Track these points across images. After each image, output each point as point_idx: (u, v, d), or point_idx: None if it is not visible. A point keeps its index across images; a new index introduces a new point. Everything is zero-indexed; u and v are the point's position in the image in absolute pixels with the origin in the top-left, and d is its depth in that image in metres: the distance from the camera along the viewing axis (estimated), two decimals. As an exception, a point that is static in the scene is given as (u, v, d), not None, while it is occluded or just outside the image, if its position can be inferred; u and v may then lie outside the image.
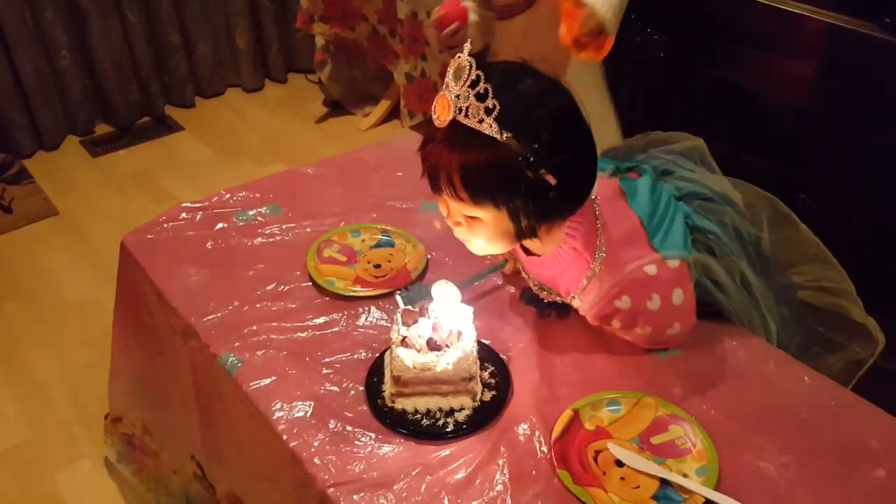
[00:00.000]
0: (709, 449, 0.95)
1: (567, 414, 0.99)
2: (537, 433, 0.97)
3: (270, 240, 1.31)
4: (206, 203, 1.39)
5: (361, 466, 0.93)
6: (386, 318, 1.15)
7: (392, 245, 1.30)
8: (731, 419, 0.99)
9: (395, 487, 0.91)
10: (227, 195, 1.41)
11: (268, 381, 1.05)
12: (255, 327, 1.13)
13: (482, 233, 0.98)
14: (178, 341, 1.19)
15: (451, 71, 0.90)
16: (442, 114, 0.90)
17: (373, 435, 0.98)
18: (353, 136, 2.93)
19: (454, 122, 0.89)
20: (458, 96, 0.88)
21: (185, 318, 1.15)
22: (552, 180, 0.91)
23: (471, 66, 0.87)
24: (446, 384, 0.98)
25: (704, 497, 0.89)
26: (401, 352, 0.97)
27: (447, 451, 0.95)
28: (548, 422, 0.98)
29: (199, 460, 1.26)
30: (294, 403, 1.01)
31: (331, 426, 0.98)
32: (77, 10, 2.71)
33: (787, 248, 1.20)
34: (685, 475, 0.92)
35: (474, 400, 1.00)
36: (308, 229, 1.33)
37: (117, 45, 2.84)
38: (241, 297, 1.18)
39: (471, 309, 1.02)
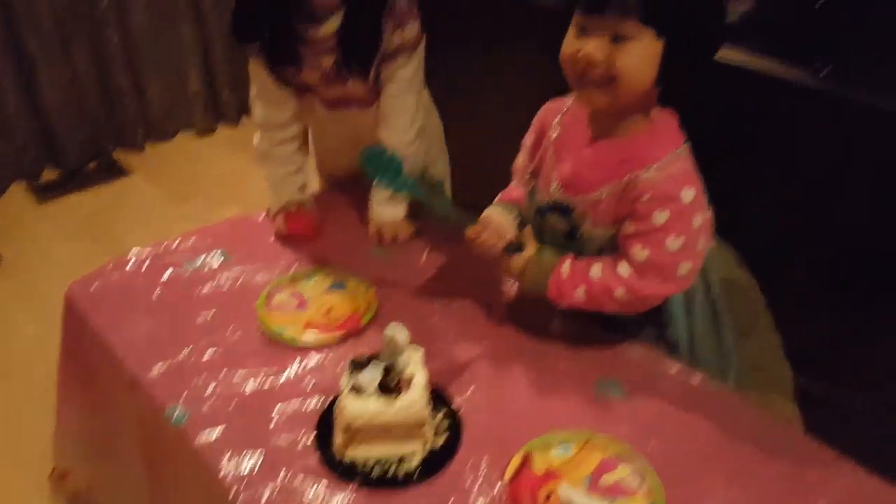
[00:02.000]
0: (656, 487, 0.96)
1: (517, 458, 0.99)
2: (489, 477, 0.97)
3: (220, 287, 1.30)
4: (155, 251, 1.38)
5: (312, 518, 0.92)
6: (335, 365, 1.15)
7: (344, 288, 1.30)
8: (678, 456, 1.00)
9: (346, 539, 0.90)
10: (176, 242, 1.40)
11: (216, 432, 1.03)
12: (203, 377, 1.11)
13: (629, 58, 0.97)
14: (123, 394, 1.16)
15: None
16: None
17: (325, 483, 0.97)
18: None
19: None
20: None
21: (131, 370, 1.13)
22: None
23: None
24: (397, 431, 0.98)
25: (652, 535, 0.90)
26: (350, 400, 0.97)
27: (399, 500, 0.95)
28: (499, 465, 0.98)
29: (149, 518, 1.23)
30: (243, 454, 1.00)
31: (280, 477, 0.97)
32: (24, 54, 2.68)
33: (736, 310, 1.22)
34: (634, 515, 0.93)
35: (426, 446, 1.00)
36: (258, 276, 1.32)
37: (65, 88, 2.80)
38: (189, 346, 1.17)
39: (421, 350, 1.02)
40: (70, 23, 2.75)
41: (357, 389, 0.98)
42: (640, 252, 1.06)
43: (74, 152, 2.91)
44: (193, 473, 1.03)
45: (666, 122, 1.08)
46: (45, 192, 2.82)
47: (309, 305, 1.26)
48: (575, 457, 1.01)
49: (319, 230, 1.45)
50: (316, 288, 1.30)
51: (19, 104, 2.74)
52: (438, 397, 1.07)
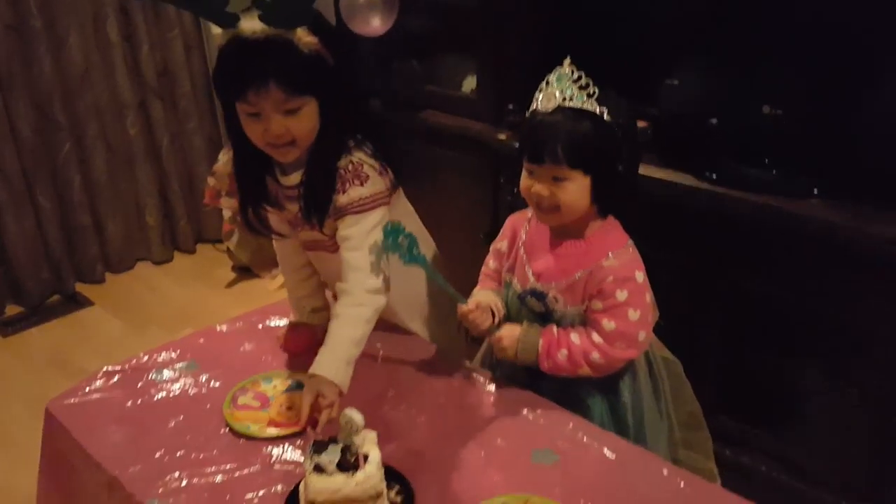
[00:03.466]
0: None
1: (465, 520, 1.12)
2: (440, 540, 1.09)
3: (188, 393, 1.43)
4: (126, 366, 1.50)
5: (282, 588, 1.03)
6: (299, 453, 1.27)
7: (302, 388, 1.43)
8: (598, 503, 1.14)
9: None
10: (146, 357, 1.53)
11: (191, 521, 1.14)
12: (177, 474, 1.22)
13: (568, 193, 1.26)
14: (104, 496, 1.26)
15: (554, 75, 1.26)
16: (547, 104, 1.25)
17: (293, 559, 1.07)
18: (262, 296, 3.06)
19: (558, 107, 1.24)
20: (562, 90, 1.24)
21: (110, 472, 1.24)
22: (626, 155, 1.27)
23: (572, 69, 1.25)
24: (357, 503, 1.10)
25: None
26: (313, 478, 1.09)
27: (361, 565, 1.06)
28: (450, 529, 1.11)
29: None
30: (217, 539, 1.10)
31: (252, 555, 1.08)
32: (-10, 200, 2.84)
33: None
34: (570, 562, 1.06)
35: (383, 517, 1.12)
36: (222, 381, 1.45)
37: (29, 231, 2.95)
38: (163, 447, 1.28)
39: (374, 432, 1.16)
40: (34, 168, 2.93)
41: (319, 468, 1.11)
42: (608, 324, 1.31)
43: (36, 289, 3.02)
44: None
45: (612, 225, 1.36)
46: (9, 327, 2.90)
47: (271, 404, 1.39)
48: (513, 520, 1.14)
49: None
50: (276, 388, 1.43)
51: (-17, 246, 2.87)
52: (392, 474, 1.19)
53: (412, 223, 1.60)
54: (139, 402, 1.40)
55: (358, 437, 1.14)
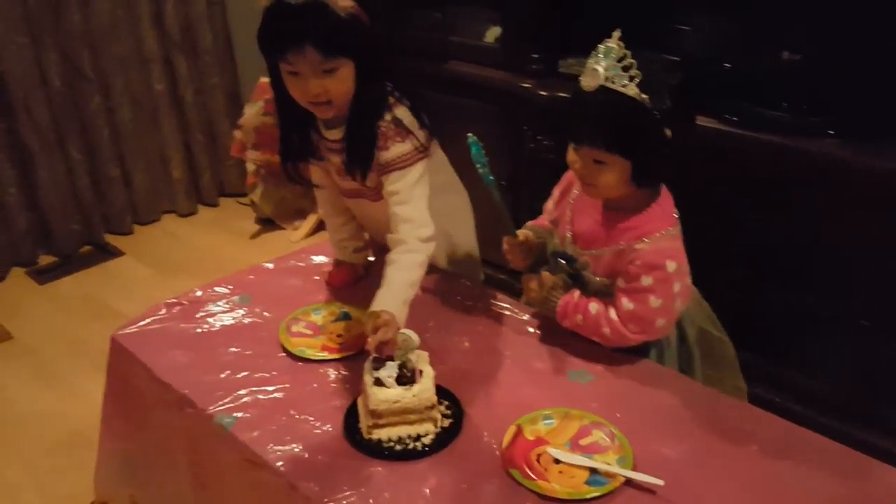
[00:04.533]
0: (624, 444, 1.19)
1: (512, 429, 1.22)
2: (490, 446, 1.20)
3: (243, 322, 1.53)
4: (183, 300, 1.60)
5: (352, 486, 1.13)
6: (349, 375, 1.37)
7: (349, 318, 1.53)
8: (640, 421, 1.24)
9: (381, 498, 1.11)
10: (200, 292, 1.63)
11: (260, 432, 1.24)
12: (243, 391, 1.33)
13: (608, 176, 1.27)
14: (172, 414, 1.37)
15: (601, 50, 1.22)
16: (590, 82, 1.22)
17: (359, 463, 1.18)
18: (285, 247, 3.16)
19: (601, 87, 1.21)
20: (605, 68, 1.20)
21: (179, 391, 1.34)
22: (668, 133, 1.22)
23: (619, 46, 1.20)
24: (413, 413, 1.21)
25: (625, 476, 1.13)
26: (374, 390, 1.20)
27: (420, 467, 1.17)
28: (497, 437, 1.21)
29: (192, 524, 1.41)
30: (287, 447, 1.21)
31: (320, 461, 1.19)
32: (24, 150, 2.92)
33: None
34: (608, 464, 1.16)
35: (436, 426, 1.23)
36: (274, 313, 1.55)
37: (60, 181, 3.03)
38: (227, 369, 1.39)
39: (427, 353, 1.26)
40: (64, 121, 3.00)
41: (379, 382, 1.21)
42: (626, 304, 1.33)
43: (68, 239, 3.11)
44: (240, 470, 1.23)
45: (662, 205, 1.34)
46: (44, 276, 3.00)
47: (322, 333, 1.49)
48: (557, 426, 1.24)
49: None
50: (325, 318, 1.53)
51: (19, 197, 2.95)
52: (442, 391, 1.30)
53: (446, 172, 1.69)
54: (198, 330, 1.51)
55: (413, 355, 1.24)
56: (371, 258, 1.73)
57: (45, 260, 3.11)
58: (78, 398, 1.47)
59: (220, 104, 3.38)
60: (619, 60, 1.21)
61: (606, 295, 1.38)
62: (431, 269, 1.68)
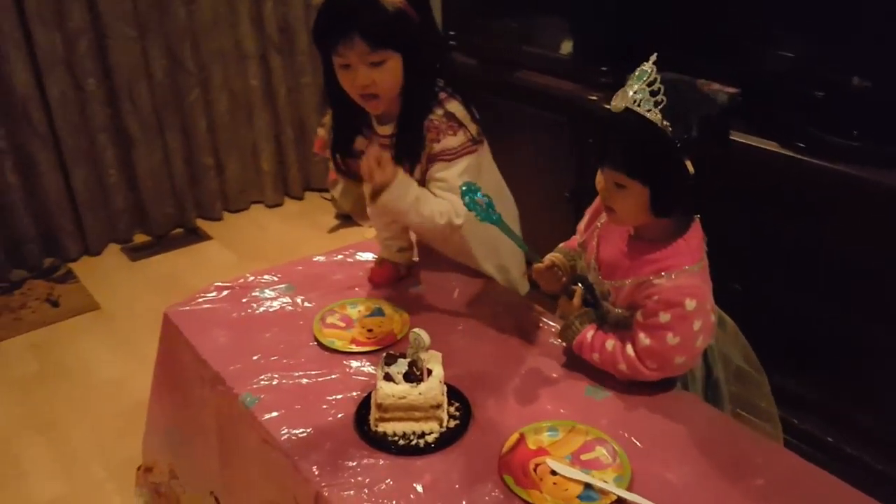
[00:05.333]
0: (625, 463, 1.19)
1: (514, 436, 1.24)
2: (491, 451, 1.22)
3: (284, 310, 1.61)
4: (235, 283, 1.70)
5: (351, 474, 1.19)
6: (372, 368, 1.42)
7: (383, 315, 1.59)
8: (647, 442, 1.23)
9: (375, 489, 1.16)
10: (252, 277, 1.73)
11: (278, 413, 1.31)
12: (270, 374, 1.41)
13: (626, 201, 1.24)
14: (206, 390, 1.46)
15: (637, 72, 1.19)
16: (618, 104, 1.20)
17: (362, 452, 1.23)
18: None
19: (627, 109, 1.18)
20: (635, 91, 1.17)
21: (214, 368, 1.43)
22: (691, 168, 1.18)
23: (652, 70, 1.18)
24: (418, 411, 1.25)
25: (617, 495, 1.13)
26: (382, 384, 1.25)
27: (419, 464, 1.21)
28: (501, 442, 1.23)
29: (217, 495, 1.50)
30: (299, 430, 1.28)
31: (327, 446, 1.24)
32: (126, 135, 3.15)
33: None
34: (605, 481, 1.16)
35: (441, 426, 1.26)
36: (315, 303, 1.63)
37: (157, 166, 3.26)
38: (260, 352, 1.47)
39: (440, 353, 1.30)
40: (164, 110, 3.22)
41: (388, 377, 1.26)
42: (644, 339, 1.29)
43: (161, 220, 3.33)
44: (258, 447, 1.31)
45: (689, 240, 1.29)
46: (137, 253, 3.23)
47: (354, 326, 1.55)
48: (561, 439, 1.25)
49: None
50: (360, 313, 1.59)
51: (118, 178, 3.19)
52: (454, 392, 1.33)
53: (493, 178, 1.72)
54: (243, 313, 1.60)
55: (424, 354, 1.28)
56: (415, 258, 1.78)
57: (140, 238, 3.35)
58: (149, 368, 1.61)
59: (310, 102, 3.53)
60: (650, 84, 1.18)
61: (626, 326, 1.35)
62: (475, 273, 1.73)
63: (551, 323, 1.55)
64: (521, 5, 2.46)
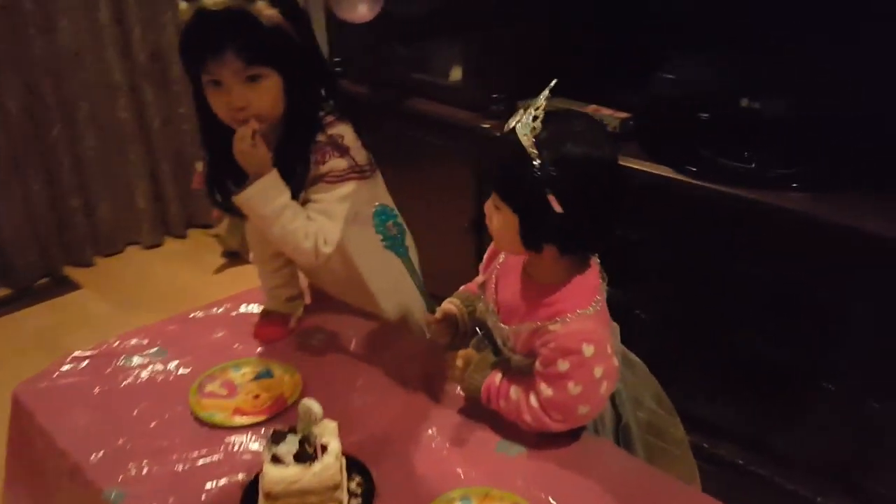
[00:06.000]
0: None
1: (423, 513, 1.11)
2: (397, 532, 1.09)
3: (156, 380, 1.42)
4: (96, 351, 1.49)
5: (235, 578, 1.02)
6: (262, 442, 1.26)
7: (271, 376, 1.42)
8: (565, 500, 1.13)
9: None
10: (116, 342, 1.53)
11: (150, 509, 1.13)
12: (139, 461, 1.22)
13: (499, 224, 1.19)
14: (66, 483, 1.26)
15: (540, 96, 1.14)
16: (507, 124, 1.16)
17: (248, 550, 1.07)
18: (251, 282, 3.04)
19: (511, 130, 1.13)
20: (522, 115, 1.13)
21: (72, 458, 1.23)
22: (557, 207, 1.11)
23: (545, 98, 1.13)
24: (314, 494, 1.09)
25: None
26: (270, 468, 1.09)
27: (316, 558, 1.05)
28: (408, 521, 1.10)
29: None
30: (174, 527, 1.10)
31: (208, 545, 1.08)
32: (-23, 179, 2.84)
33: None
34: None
35: (341, 508, 1.12)
36: (191, 368, 1.44)
37: (18, 211, 2.95)
38: (127, 435, 1.28)
39: (335, 423, 1.15)
40: (23, 148, 2.93)
41: (276, 459, 1.10)
42: (545, 390, 1.20)
43: (25, 270, 3.02)
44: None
45: (584, 280, 1.22)
46: (-3, 309, 2.91)
47: (238, 392, 1.38)
48: (472, 512, 1.13)
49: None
50: (245, 377, 1.42)
51: (-28, 227, 2.87)
52: (354, 465, 1.19)
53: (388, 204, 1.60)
54: (106, 387, 1.40)
55: (317, 428, 1.13)
56: (307, 301, 1.63)
57: (0, 292, 3.02)
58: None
59: (188, 134, 3.30)
60: (535, 110, 1.12)
61: (528, 373, 1.25)
62: (373, 317, 1.59)
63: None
64: (410, 32, 2.36)
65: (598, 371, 1.18)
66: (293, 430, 1.14)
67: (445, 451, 1.25)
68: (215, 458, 1.23)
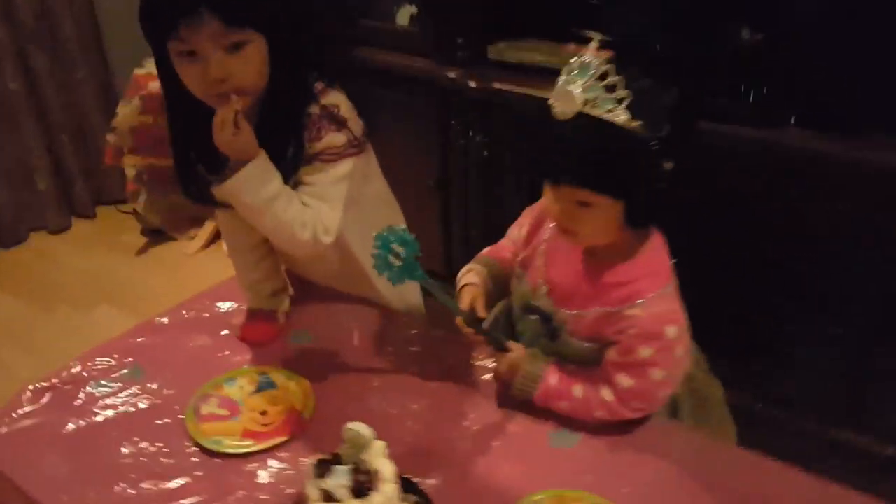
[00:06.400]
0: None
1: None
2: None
3: (138, 407, 1.20)
4: (56, 380, 1.26)
5: None
6: (287, 467, 1.09)
7: (274, 387, 1.24)
8: (651, 494, 1.03)
9: None
10: (77, 366, 1.29)
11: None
12: (141, 511, 1.02)
13: (594, 222, 1.03)
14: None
15: (575, 65, 0.96)
16: (565, 108, 0.96)
17: None
18: (181, 262, 2.80)
19: (580, 114, 0.95)
20: (584, 89, 0.94)
21: (57, 517, 1.02)
22: (668, 166, 0.97)
23: (598, 59, 0.94)
24: (375, 531, 0.94)
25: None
26: (324, 508, 0.92)
27: None
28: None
29: None
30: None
31: None
32: None
33: None
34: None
35: (406, 540, 0.97)
36: (176, 388, 1.23)
37: None
38: (121, 479, 1.07)
39: (383, 444, 0.99)
40: None
41: (329, 497, 0.93)
42: (624, 380, 1.08)
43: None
44: None
45: (654, 253, 1.10)
46: None
47: (241, 411, 1.19)
48: (551, 516, 1.00)
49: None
50: (244, 391, 1.23)
51: None
52: (404, 482, 1.04)
53: (381, 189, 1.43)
54: (81, 423, 1.17)
55: (367, 453, 0.97)
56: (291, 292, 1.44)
57: None
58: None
59: (89, 102, 2.94)
60: (601, 78, 0.94)
61: (590, 361, 1.12)
62: (366, 302, 1.42)
63: (474, 352, 1.28)
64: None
65: (679, 351, 1.07)
66: (337, 460, 0.97)
67: (497, 454, 1.11)
68: (239, 494, 1.05)
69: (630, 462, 1.08)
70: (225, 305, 1.45)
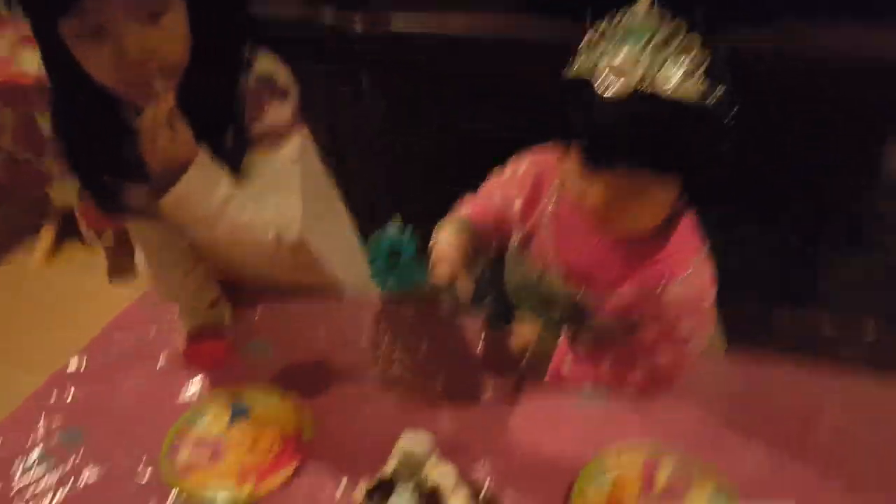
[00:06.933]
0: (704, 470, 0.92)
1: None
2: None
3: (95, 480, 0.97)
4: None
5: None
6: (309, 495, 0.92)
7: (247, 416, 1.04)
8: (699, 430, 0.97)
9: None
10: (-2, 442, 1.02)
11: None
12: None
13: (650, 207, 0.89)
14: None
15: (622, 25, 0.80)
16: (618, 84, 0.79)
17: None
18: (26, 279, 2.44)
19: (635, 93, 0.79)
20: (641, 58, 0.78)
21: None
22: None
23: (658, 17, 0.79)
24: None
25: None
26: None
27: None
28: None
29: None
30: None
31: None
32: None
33: None
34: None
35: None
36: (135, 445, 1.01)
37: None
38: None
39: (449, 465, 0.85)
40: None
41: (397, 528, 0.79)
42: (664, 356, 1.01)
43: None
44: None
45: (686, 223, 0.98)
46: None
47: (227, 450, 1.00)
48: (615, 484, 0.92)
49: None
50: (219, 424, 1.03)
51: None
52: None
53: (319, 170, 1.24)
54: (24, 515, 0.93)
55: (429, 468, 0.83)
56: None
57: None
58: None
59: None
60: (665, 42, 0.79)
61: (614, 340, 1.04)
62: (320, 296, 1.24)
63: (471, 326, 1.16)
64: None
65: (713, 312, 1.02)
66: (390, 481, 0.83)
67: (533, 429, 0.99)
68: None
69: (669, 406, 1.01)
70: (151, 333, 1.21)
